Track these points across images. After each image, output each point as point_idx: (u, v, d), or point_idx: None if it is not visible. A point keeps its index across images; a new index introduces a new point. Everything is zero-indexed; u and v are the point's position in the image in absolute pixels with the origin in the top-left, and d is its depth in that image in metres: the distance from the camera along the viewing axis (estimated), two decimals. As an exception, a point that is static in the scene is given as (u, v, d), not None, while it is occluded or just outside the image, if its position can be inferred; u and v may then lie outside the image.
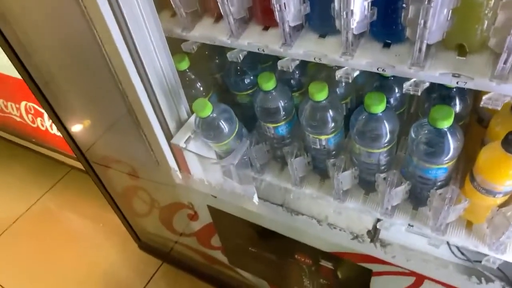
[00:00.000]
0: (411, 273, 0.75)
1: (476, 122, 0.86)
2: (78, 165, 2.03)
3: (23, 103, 1.73)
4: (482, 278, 0.68)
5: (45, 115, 1.71)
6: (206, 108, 0.87)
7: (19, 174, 2.19)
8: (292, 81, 0.98)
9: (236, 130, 0.96)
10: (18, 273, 1.79)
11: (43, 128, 1.80)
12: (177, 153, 0.88)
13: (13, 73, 1.62)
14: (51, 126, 1.75)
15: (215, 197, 0.93)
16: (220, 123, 0.90)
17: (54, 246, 1.86)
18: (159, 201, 1.16)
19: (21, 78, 1.50)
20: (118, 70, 0.80)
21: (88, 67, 0.93)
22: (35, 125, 1.82)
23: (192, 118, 0.87)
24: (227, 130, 0.92)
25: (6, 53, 0.98)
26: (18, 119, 1.86)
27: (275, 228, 0.90)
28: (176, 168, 0.96)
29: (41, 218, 2.00)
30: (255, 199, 0.97)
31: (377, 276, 0.81)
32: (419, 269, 0.73)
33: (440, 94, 0.81)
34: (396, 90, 0.86)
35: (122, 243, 1.68)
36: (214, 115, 0.90)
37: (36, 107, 1.68)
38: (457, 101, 0.80)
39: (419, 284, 0.76)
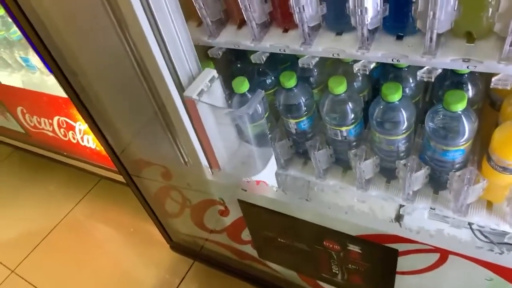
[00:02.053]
0: (436, 249, 0.79)
1: (489, 106, 0.91)
2: (107, 174, 2.13)
3: (55, 118, 1.84)
4: (504, 248, 0.72)
5: (76, 128, 1.82)
6: (244, 83, 0.96)
7: (52, 187, 2.30)
8: (311, 79, 1.04)
9: (268, 112, 1.04)
10: (55, 284, 1.87)
11: (74, 141, 1.90)
12: (191, 108, 0.93)
13: (46, 90, 1.73)
14: (81, 138, 1.85)
15: (245, 190, 0.99)
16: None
17: (88, 255, 1.95)
18: (191, 199, 1.23)
19: (51, 93, 1.60)
20: (156, 80, 0.88)
21: (124, 74, 1.01)
22: (66, 139, 1.93)
23: (204, 73, 0.93)
24: (260, 110, 0.99)
25: (49, 64, 1.04)
26: (51, 134, 1.97)
27: (303, 216, 0.96)
28: (207, 165, 1.04)
29: (75, 228, 2.10)
30: (273, 161, 1.03)
31: (403, 255, 0.86)
32: (443, 244, 0.78)
33: (452, 81, 0.87)
34: (411, 80, 0.91)
35: (154, 247, 1.76)
36: (249, 95, 0.98)
37: (68, 121, 1.79)
38: (469, 87, 0.85)
39: (444, 259, 0.80)
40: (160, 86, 0.91)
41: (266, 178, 1.03)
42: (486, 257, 0.75)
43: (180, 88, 0.92)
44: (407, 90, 0.91)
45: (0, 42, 1.95)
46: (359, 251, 0.93)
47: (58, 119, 1.83)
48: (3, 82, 2.02)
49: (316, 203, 0.93)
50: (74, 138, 1.88)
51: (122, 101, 1.15)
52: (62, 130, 1.89)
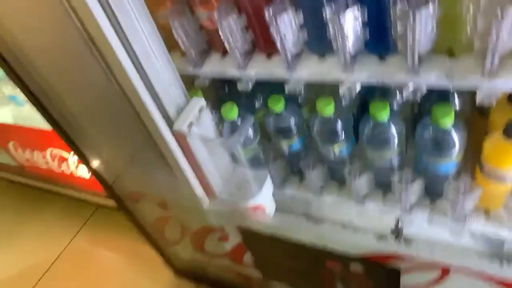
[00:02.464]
0: (437, 265, 0.79)
1: (477, 113, 0.91)
2: (104, 202, 2.12)
3: (48, 150, 1.82)
4: (504, 260, 0.72)
5: (70, 160, 1.81)
6: (233, 110, 0.95)
7: (50, 219, 2.28)
8: (299, 98, 1.04)
9: (259, 136, 1.04)
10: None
11: (69, 172, 1.89)
12: (181, 141, 0.91)
13: (37, 124, 1.72)
14: (76, 169, 1.84)
15: (243, 218, 0.99)
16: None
17: (92, 285, 1.93)
18: (190, 227, 1.22)
19: (43, 127, 1.60)
20: (143, 115, 0.88)
21: (109, 107, 1.01)
22: (60, 170, 1.92)
23: (191, 103, 0.92)
24: (251, 134, 0.98)
25: (31, 101, 1.04)
26: (45, 166, 1.96)
27: (303, 239, 0.95)
28: (203, 194, 1.03)
29: (76, 258, 2.08)
30: (268, 183, 1.03)
31: (406, 274, 0.86)
32: (444, 259, 0.78)
33: (439, 92, 0.87)
34: (397, 95, 0.91)
35: (158, 272, 1.74)
36: (239, 120, 0.98)
37: (61, 153, 1.78)
38: (456, 98, 0.86)
39: (446, 274, 0.80)
40: (147, 121, 0.90)
41: (264, 201, 1.03)
42: (488, 270, 0.75)
43: (169, 121, 0.92)
44: (394, 104, 0.91)
45: (-13, 79, 1.94)
46: (362, 271, 0.93)
47: (51, 151, 1.82)
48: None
49: (315, 225, 0.93)
50: (68, 169, 1.87)
51: (111, 131, 1.15)
52: (55, 162, 1.88)
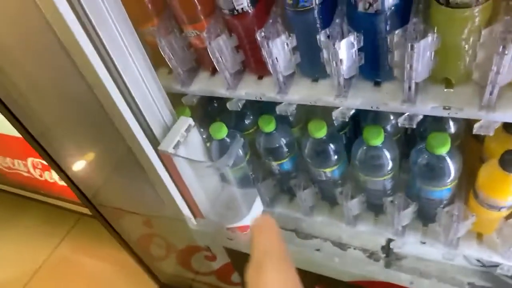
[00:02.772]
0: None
1: (472, 138, 0.90)
2: (88, 211, 2.06)
3: (29, 160, 1.76)
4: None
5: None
6: (222, 130, 0.92)
7: (32, 227, 2.22)
8: (290, 117, 1.01)
9: (249, 155, 1.01)
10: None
11: (51, 181, 1.83)
12: (167, 161, 0.88)
13: (16, 133, 1.66)
14: (59, 178, 1.78)
15: (231, 239, 0.96)
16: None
17: (75, 295, 1.88)
18: (176, 245, 1.18)
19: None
20: (126, 136, 0.84)
21: (89, 121, 0.97)
22: (42, 179, 1.85)
23: (179, 122, 0.89)
24: (241, 154, 0.95)
25: (2, 112, 1.00)
26: (26, 174, 1.89)
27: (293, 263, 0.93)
28: (190, 215, 0.99)
29: (60, 267, 2.02)
30: (258, 203, 0.99)
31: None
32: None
33: (434, 116, 0.85)
34: (391, 117, 0.89)
35: (144, 284, 1.70)
36: (228, 139, 0.94)
37: (43, 162, 1.72)
38: (451, 122, 0.84)
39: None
40: (130, 140, 0.86)
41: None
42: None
43: (154, 141, 0.88)
44: (388, 127, 0.89)
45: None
46: (352, 295, 0.91)
47: (32, 160, 1.76)
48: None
49: (305, 249, 0.91)
50: (51, 178, 1.81)
51: (90, 144, 1.11)
52: (37, 170, 1.82)
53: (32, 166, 1.80)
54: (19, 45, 0.84)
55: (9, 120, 1.01)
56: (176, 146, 0.86)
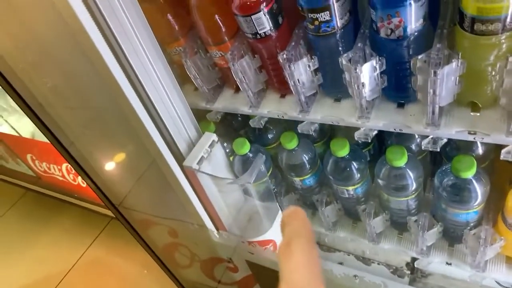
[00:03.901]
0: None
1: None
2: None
3: (64, 165, 1.85)
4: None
5: (85, 174, 1.83)
6: (245, 146, 0.93)
7: (65, 228, 2.31)
8: (313, 133, 1.01)
9: (271, 169, 1.02)
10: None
11: (84, 185, 1.91)
12: (191, 177, 0.91)
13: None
14: (91, 183, 1.86)
15: (252, 253, 0.97)
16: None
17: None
18: (199, 255, 1.21)
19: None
20: (153, 151, 0.87)
21: (115, 129, 1.01)
22: (76, 183, 1.94)
23: (203, 138, 0.91)
24: (263, 169, 0.96)
25: (34, 122, 1.06)
26: (61, 178, 1.99)
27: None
28: (213, 228, 1.02)
29: (91, 268, 2.10)
30: (280, 218, 0.99)
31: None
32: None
33: (461, 137, 0.83)
34: (416, 136, 0.88)
35: (171, 286, 1.74)
36: (251, 154, 0.96)
37: (76, 167, 1.80)
38: (479, 143, 0.81)
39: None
40: (157, 156, 0.89)
41: (275, 236, 1.01)
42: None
43: (179, 156, 0.91)
44: (413, 146, 0.88)
45: (7, 91, 1.98)
46: (374, 315, 0.90)
47: (67, 166, 1.84)
48: (14, 127, 2.05)
49: (326, 272, 0.90)
50: (83, 183, 1.89)
51: (118, 157, 1.15)
52: (71, 175, 1.90)
53: (66, 171, 1.88)
54: (54, 68, 0.89)
55: (42, 132, 1.07)
56: (200, 162, 0.88)
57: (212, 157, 0.92)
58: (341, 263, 1.17)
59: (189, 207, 1.00)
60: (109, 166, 1.22)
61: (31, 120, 1.02)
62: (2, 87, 0.92)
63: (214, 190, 0.93)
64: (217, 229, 1.02)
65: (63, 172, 1.91)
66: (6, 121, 2.14)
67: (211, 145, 0.91)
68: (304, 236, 0.37)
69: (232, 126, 1.12)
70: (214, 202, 0.95)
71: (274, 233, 1.00)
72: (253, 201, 1.08)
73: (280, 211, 1.04)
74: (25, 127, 2.01)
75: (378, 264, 1.14)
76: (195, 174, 0.88)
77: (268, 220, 1.02)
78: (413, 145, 0.88)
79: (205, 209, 0.98)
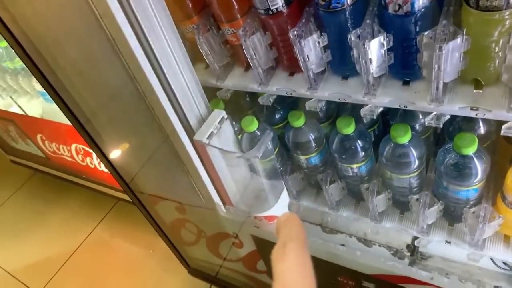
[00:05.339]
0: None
1: (503, 139, 0.89)
2: (125, 197, 2.18)
3: (73, 146, 1.89)
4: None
5: (94, 155, 1.86)
6: (253, 123, 0.96)
7: (72, 208, 2.37)
8: (320, 113, 1.04)
9: (277, 148, 1.04)
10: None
11: (92, 166, 1.95)
12: (200, 150, 0.93)
13: (63, 120, 1.78)
14: (99, 164, 1.90)
15: (258, 227, 1.00)
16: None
17: (110, 274, 2.00)
18: (206, 231, 1.24)
19: (69, 123, 1.67)
20: (164, 124, 0.90)
21: (130, 109, 1.04)
22: (84, 164, 1.98)
23: (213, 114, 0.93)
24: (270, 147, 0.99)
25: (53, 99, 1.09)
26: (70, 159, 2.03)
27: (317, 254, 0.96)
28: (220, 203, 1.05)
29: (97, 248, 2.15)
30: (285, 195, 1.02)
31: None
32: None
33: (463, 116, 0.85)
34: (420, 116, 0.90)
35: (173, 268, 1.79)
36: (259, 132, 0.99)
37: (85, 148, 1.84)
38: (481, 123, 0.84)
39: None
40: (169, 129, 0.92)
41: (279, 212, 1.04)
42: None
43: (190, 131, 0.94)
44: (416, 126, 0.90)
45: (19, 72, 2.02)
46: (374, 288, 0.93)
47: (76, 146, 1.88)
48: (23, 108, 2.09)
49: (330, 244, 0.94)
50: (91, 164, 1.93)
51: (130, 132, 1.18)
52: (80, 156, 1.94)
53: (76, 152, 1.92)
54: (70, 39, 0.91)
55: (61, 108, 1.10)
56: (210, 137, 0.91)
57: (221, 133, 0.95)
58: (343, 245, 1.20)
59: (198, 182, 1.03)
60: (122, 145, 1.26)
61: (49, 95, 1.05)
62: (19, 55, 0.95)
63: (222, 165, 0.96)
64: (224, 204, 1.05)
65: (72, 152, 1.95)
66: (16, 102, 2.18)
67: (221, 122, 0.94)
68: (298, 240, 0.40)
69: (240, 106, 1.15)
70: (222, 177, 0.98)
71: (279, 209, 1.04)
72: (259, 179, 1.11)
73: (285, 189, 1.07)
74: (35, 109, 2.05)
75: (379, 246, 1.17)
76: (205, 148, 0.91)
77: (273, 197, 1.06)
78: (417, 125, 0.91)
79: (213, 184, 1.01)
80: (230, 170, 1.00)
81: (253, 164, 1.08)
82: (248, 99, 1.14)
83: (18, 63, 1.96)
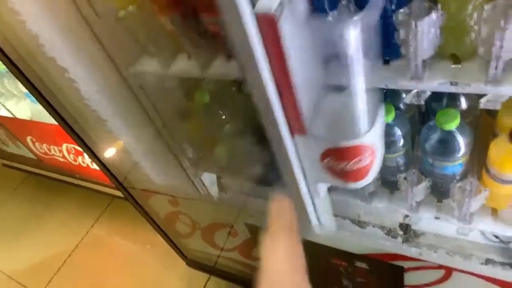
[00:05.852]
0: (440, 267, 0.80)
1: (485, 114, 0.90)
2: (119, 194, 2.18)
3: (64, 145, 1.88)
4: (507, 265, 0.72)
5: (85, 154, 1.86)
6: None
7: (68, 209, 2.37)
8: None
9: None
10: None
11: (84, 165, 1.95)
12: (266, 30, 0.56)
13: (51, 120, 1.77)
14: (91, 162, 1.89)
15: (252, 215, 1.01)
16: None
17: (109, 274, 2.01)
18: (200, 222, 1.25)
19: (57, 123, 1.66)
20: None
21: (119, 101, 1.03)
22: (76, 163, 1.98)
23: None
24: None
25: (39, 101, 1.09)
26: (62, 159, 2.02)
27: (308, 237, 0.97)
28: (287, 127, 0.75)
29: (94, 247, 2.16)
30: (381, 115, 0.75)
31: (409, 271, 0.87)
32: (446, 262, 0.79)
33: (445, 94, 0.86)
34: (404, 95, 0.91)
35: (171, 262, 1.81)
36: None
37: (76, 147, 1.83)
38: (462, 99, 0.85)
39: (448, 276, 0.81)
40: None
41: (374, 141, 0.75)
42: (490, 274, 0.76)
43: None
44: (401, 105, 0.91)
45: (4, 75, 2.00)
46: (367, 267, 0.95)
47: (67, 146, 1.87)
48: (11, 111, 2.08)
49: (321, 226, 0.95)
50: (83, 163, 1.93)
51: (122, 127, 1.18)
52: (71, 155, 1.94)
53: (67, 151, 1.92)
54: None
55: (47, 110, 1.10)
56: (280, 6, 0.55)
57: (294, 7, 0.59)
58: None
59: (256, 87, 0.64)
60: (114, 143, 1.25)
61: (34, 96, 1.05)
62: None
63: (297, 55, 0.61)
64: (292, 131, 0.74)
65: (64, 152, 1.94)
66: (3, 105, 2.16)
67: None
68: (289, 229, 0.40)
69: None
70: (295, 76, 0.63)
71: (373, 138, 0.74)
72: (341, 98, 0.74)
73: (383, 105, 0.76)
74: (23, 111, 2.04)
75: (373, 226, 1.18)
76: (274, 23, 0.54)
77: (366, 119, 0.71)
78: (400, 104, 0.91)
79: (279, 93, 0.66)
80: (303, 67, 0.66)
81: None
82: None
83: (2, 66, 1.94)
